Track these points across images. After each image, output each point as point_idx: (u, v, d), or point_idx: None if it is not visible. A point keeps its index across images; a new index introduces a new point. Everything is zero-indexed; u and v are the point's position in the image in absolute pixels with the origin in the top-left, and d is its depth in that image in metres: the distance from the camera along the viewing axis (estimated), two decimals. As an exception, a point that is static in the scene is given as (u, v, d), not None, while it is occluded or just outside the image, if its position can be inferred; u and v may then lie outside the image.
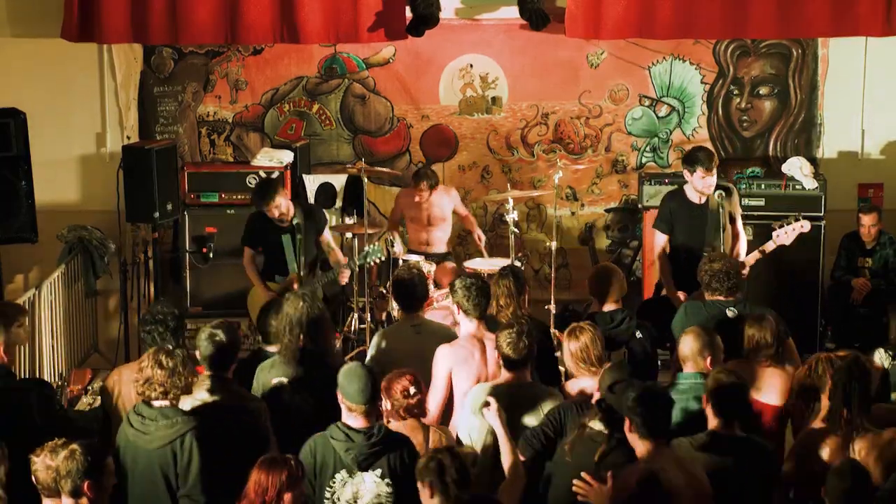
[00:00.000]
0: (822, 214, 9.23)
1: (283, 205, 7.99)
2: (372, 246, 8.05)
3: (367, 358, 6.66)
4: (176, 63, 9.97)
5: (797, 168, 9.43)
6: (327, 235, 8.35)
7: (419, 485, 4.75)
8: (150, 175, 8.84)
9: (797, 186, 9.36)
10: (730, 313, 6.51)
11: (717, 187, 7.78)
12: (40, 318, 8.27)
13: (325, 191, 9.57)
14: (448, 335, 6.56)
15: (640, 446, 4.97)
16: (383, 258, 8.20)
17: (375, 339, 6.71)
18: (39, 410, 5.70)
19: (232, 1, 9.17)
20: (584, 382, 5.83)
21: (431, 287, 8.11)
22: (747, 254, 7.75)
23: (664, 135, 9.98)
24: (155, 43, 9.64)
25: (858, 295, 9.06)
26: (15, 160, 8.16)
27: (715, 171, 7.73)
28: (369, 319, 8.63)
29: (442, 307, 8.44)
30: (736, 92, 9.93)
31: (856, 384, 5.23)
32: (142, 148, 9.08)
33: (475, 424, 5.63)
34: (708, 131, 9.95)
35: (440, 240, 9.27)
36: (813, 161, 9.68)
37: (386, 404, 5.44)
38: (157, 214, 8.92)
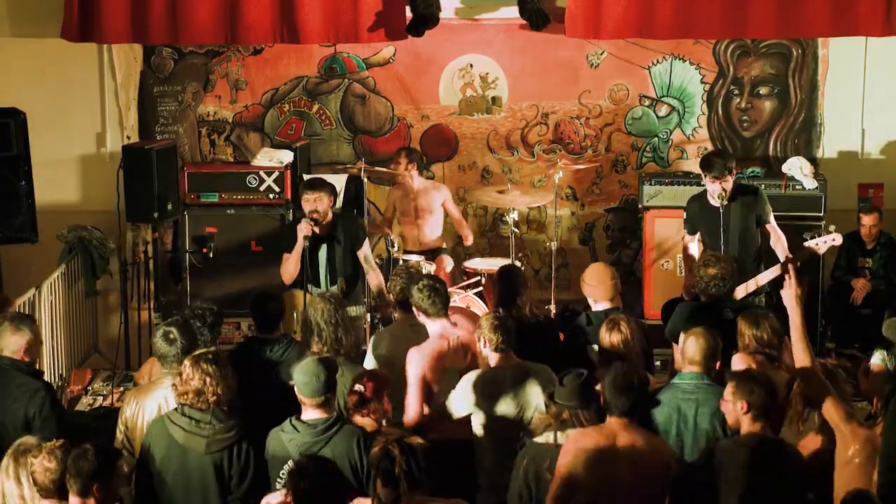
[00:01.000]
0: (822, 214, 9.24)
1: (317, 204, 7.68)
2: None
3: (367, 357, 6.67)
4: (176, 63, 9.97)
5: (797, 168, 9.43)
6: (365, 250, 7.96)
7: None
8: (150, 175, 8.84)
9: (797, 186, 9.36)
10: (726, 315, 6.49)
11: (742, 189, 7.81)
12: (40, 318, 8.26)
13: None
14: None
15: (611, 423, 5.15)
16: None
17: (374, 338, 6.72)
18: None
19: (232, 1, 9.17)
20: None
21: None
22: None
23: (664, 135, 9.98)
24: (155, 43, 9.65)
25: (858, 295, 9.07)
26: (15, 160, 8.17)
27: (727, 177, 7.69)
28: (369, 319, 8.63)
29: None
30: (736, 92, 9.93)
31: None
32: (142, 148, 9.08)
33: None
34: (708, 131, 9.95)
35: (431, 236, 9.25)
36: (813, 161, 9.68)
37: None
38: (157, 214, 8.93)
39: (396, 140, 10.00)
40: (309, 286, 7.71)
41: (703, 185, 7.94)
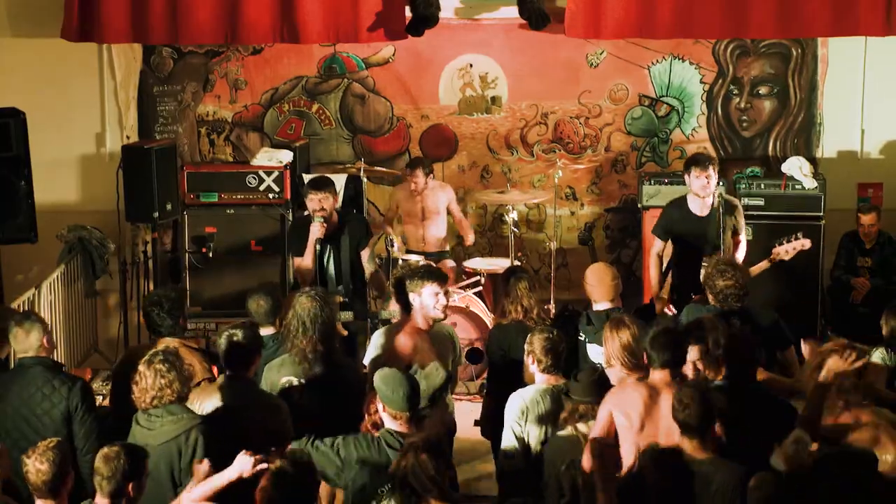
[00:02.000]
0: (821, 214, 9.25)
1: (324, 203, 7.65)
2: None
3: (367, 357, 6.67)
4: (175, 63, 9.98)
5: (797, 168, 9.44)
6: (368, 252, 7.96)
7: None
8: (150, 175, 8.85)
9: (797, 186, 9.37)
10: (734, 320, 6.46)
11: (726, 202, 7.77)
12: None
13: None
14: (447, 334, 6.57)
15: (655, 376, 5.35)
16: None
17: (375, 338, 6.71)
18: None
19: (232, 1, 9.17)
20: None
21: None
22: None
23: (664, 135, 9.98)
24: (155, 43, 9.65)
25: (858, 295, 9.07)
26: (15, 160, 8.15)
27: (711, 170, 7.74)
28: (369, 320, 8.63)
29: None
30: (735, 92, 9.93)
31: None
32: (141, 148, 9.09)
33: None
34: (707, 131, 9.95)
35: (436, 237, 9.27)
36: (813, 161, 9.68)
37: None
38: (156, 214, 8.93)
39: (396, 140, 10.00)
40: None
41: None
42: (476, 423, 6.78)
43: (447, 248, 9.44)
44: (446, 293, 6.40)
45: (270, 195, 9.37)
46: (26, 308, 7.90)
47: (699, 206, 7.81)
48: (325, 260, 7.72)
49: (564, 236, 9.95)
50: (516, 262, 8.67)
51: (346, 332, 7.56)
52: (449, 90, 9.99)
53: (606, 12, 9.14)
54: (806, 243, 7.63)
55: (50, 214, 9.02)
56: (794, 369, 6.36)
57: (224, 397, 5.57)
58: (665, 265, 7.99)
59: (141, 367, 5.33)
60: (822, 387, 5.18)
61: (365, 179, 8.95)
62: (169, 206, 9.06)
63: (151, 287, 9.37)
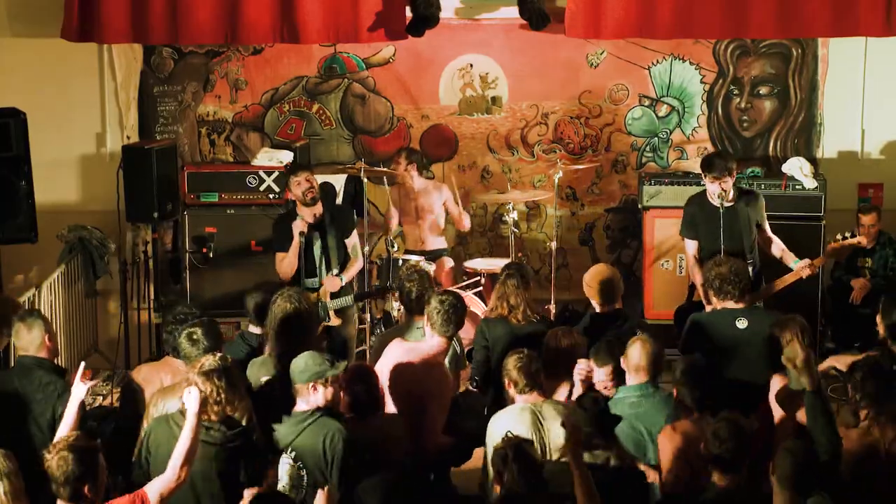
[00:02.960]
0: (822, 214, 9.25)
1: (312, 181, 7.91)
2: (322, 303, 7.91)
3: (370, 359, 6.68)
4: (176, 63, 9.97)
5: (797, 168, 9.43)
6: (353, 239, 8.19)
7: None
8: (150, 175, 8.85)
9: (797, 186, 9.37)
10: (739, 325, 6.44)
11: (741, 192, 7.81)
12: (40, 318, 8.27)
13: (325, 191, 9.56)
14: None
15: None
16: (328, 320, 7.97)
17: (377, 339, 6.71)
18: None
19: (232, 1, 9.16)
20: None
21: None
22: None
23: (664, 135, 9.98)
24: (155, 43, 9.64)
25: (858, 295, 9.07)
26: (15, 160, 8.15)
27: (727, 177, 7.70)
28: (369, 319, 8.64)
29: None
30: (736, 92, 9.93)
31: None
32: (142, 148, 9.09)
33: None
34: (708, 131, 9.94)
35: (433, 237, 9.26)
36: (813, 161, 9.68)
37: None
38: (156, 214, 8.93)
39: (396, 140, 10.00)
40: (304, 277, 7.84)
41: (703, 185, 7.94)
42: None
43: (446, 245, 9.42)
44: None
45: (271, 195, 9.36)
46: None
47: (719, 200, 7.73)
48: (314, 249, 7.85)
49: (564, 236, 9.95)
50: (521, 259, 8.68)
51: (338, 321, 7.65)
52: (449, 90, 9.99)
53: (606, 12, 9.13)
54: (863, 240, 7.80)
55: (50, 214, 9.02)
56: None
57: None
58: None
59: (198, 378, 5.18)
60: None
61: (365, 180, 8.95)
62: (169, 207, 9.06)
63: (152, 287, 9.38)
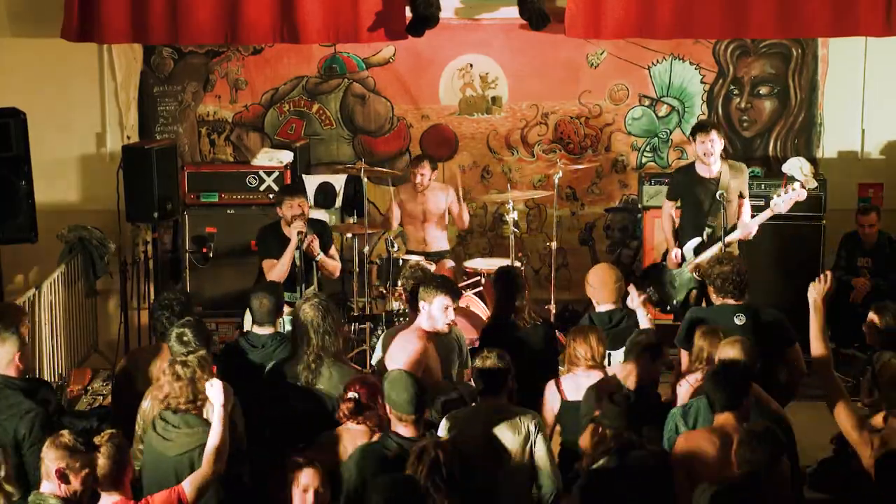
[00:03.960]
0: (822, 214, 9.24)
1: (303, 207, 7.94)
2: None
3: (374, 359, 6.67)
4: (176, 63, 9.97)
5: (797, 168, 9.43)
6: (332, 252, 8.23)
7: None
8: (150, 175, 8.84)
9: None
10: (738, 321, 6.45)
11: (731, 166, 8.07)
12: (40, 318, 8.27)
13: (325, 191, 9.57)
14: (454, 338, 6.58)
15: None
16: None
17: (383, 339, 6.70)
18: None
19: (232, 1, 9.16)
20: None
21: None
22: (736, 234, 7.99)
23: (664, 135, 9.98)
24: (155, 43, 9.64)
25: (858, 295, 9.06)
26: (15, 160, 8.14)
27: (714, 135, 8.01)
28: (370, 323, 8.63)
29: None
30: (736, 92, 9.93)
31: None
32: (142, 148, 9.08)
33: None
34: (708, 131, 9.94)
35: (437, 238, 9.28)
36: (813, 161, 9.68)
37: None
38: (157, 214, 8.92)
39: (397, 140, 10.00)
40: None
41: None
42: None
43: (448, 246, 9.43)
44: (456, 309, 6.37)
45: (271, 195, 9.35)
46: (26, 308, 7.90)
47: (706, 170, 8.07)
48: (294, 263, 7.88)
49: (564, 236, 9.94)
50: (516, 262, 8.67)
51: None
52: (449, 90, 9.99)
53: (606, 12, 9.13)
54: (802, 193, 7.85)
55: (50, 214, 9.00)
56: (799, 367, 6.36)
57: None
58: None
59: (168, 368, 5.31)
60: None
61: (365, 180, 8.94)
62: (169, 206, 9.05)
63: (152, 287, 9.38)
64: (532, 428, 5.37)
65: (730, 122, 9.95)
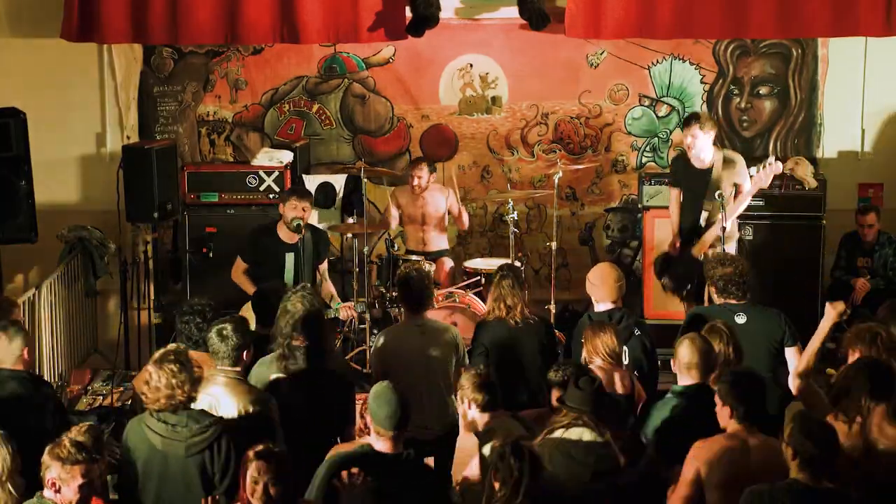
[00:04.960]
0: (822, 214, 9.25)
1: (306, 213, 7.98)
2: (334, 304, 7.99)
3: (371, 356, 6.67)
4: (176, 63, 9.97)
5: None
6: (325, 265, 8.30)
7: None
8: (150, 175, 8.84)
9: (797, 186, 9.36)
10: (739, 319, 6.45)
11: (727, 157, 8.19)
12: (40, 318, 8.27)
13: (325, 191, 9.57)
14: (451, 335, 6.58)
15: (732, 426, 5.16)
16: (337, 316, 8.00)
17: (379, 337, 6.71)
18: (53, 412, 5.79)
19: (232, 1, 9.16)
20: None
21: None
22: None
23: (664, 135, 9.98)
24: (155, 43, 9.64)
25: (858, 295, 9.07)
26: (15, 160, 8.15)
27: (695, 129, 8.08)
28: (369, 319, 8.63)
29: (443, 306, 8.47)
30: (736, 92, 9.93)
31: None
32: (142, 148, 9.08)
33: None
34: (708, 131, 9.95)
35: (436, 239, 9.28)
36: (813, 161, 9.69)
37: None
38: (157, 214, 8.92)
39: (397, 140, 10.00)
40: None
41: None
42: None
43: (447, 245, 9.43)
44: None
45: (271, 195, 9.35)
46: (27, 308, 7.90)
47: (698, 160, 8.20)
48: (286, 267, 7.93)
49: (564, 236, 9.94)
50: (516, 262, 8.67)
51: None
52: (449, 90, 9.99)
53: (606, 12, 9.14)
54: (777, 166, 8.00)
55: (50, 214, 9.02)
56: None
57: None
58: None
59: (151, 368, 5.26)
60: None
61: (365, 180, 8.95)
62: (169, 207, 9.05)
63: (152, 287, 9.37)
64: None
65: (730, 122, 9.95)
